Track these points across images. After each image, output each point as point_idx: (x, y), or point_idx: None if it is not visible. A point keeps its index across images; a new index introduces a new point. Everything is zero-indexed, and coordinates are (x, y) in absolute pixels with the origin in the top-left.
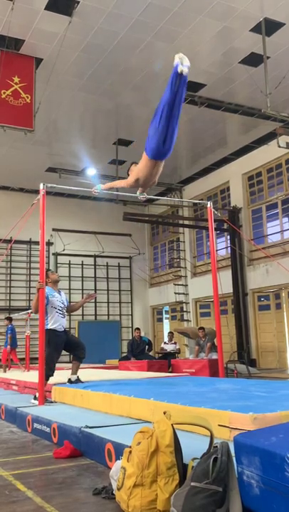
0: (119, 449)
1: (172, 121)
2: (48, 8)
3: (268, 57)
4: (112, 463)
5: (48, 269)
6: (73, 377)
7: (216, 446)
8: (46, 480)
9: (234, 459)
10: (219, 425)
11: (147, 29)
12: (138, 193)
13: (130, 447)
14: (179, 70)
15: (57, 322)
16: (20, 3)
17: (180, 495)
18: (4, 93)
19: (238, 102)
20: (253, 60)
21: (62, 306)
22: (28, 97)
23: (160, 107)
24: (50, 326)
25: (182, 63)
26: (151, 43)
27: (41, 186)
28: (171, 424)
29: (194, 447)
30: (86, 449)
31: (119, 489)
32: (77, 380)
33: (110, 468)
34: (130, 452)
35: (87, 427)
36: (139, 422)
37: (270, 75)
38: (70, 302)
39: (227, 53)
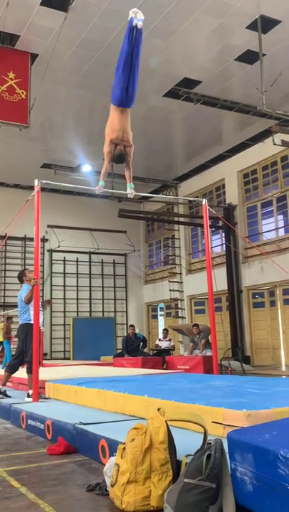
0: (113, 446)
1: (133, 70)
2: (43, 3)
3: (263, 55)
4: (106, 459)
5: (25, 269)
6: (2, 388)
7: (210, 443)
8: (40, 476)
9: (228, 455)
10: (213, 422)
11: (143, 25)
12: (127, 187)
13: (124, 444)
14: (134, 24)
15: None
16: None
17: (173, 491)
18: None
19: (234, 99)
20: (249, 57)
21: (41, 304)
22: (23, 93)
23: (121, 60)
24: (33, 321)
25: (136, 17)
26: (147, 40)
27: (36, 183)
28: (165, 421)
29: (188, 443)
30: (80, 445)
31: (112, 486)
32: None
33: (104, 465)
34: (124, 449)
35: (81, 423)
36: (134, 419)
37: (265, 72)
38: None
39: (223, 50)
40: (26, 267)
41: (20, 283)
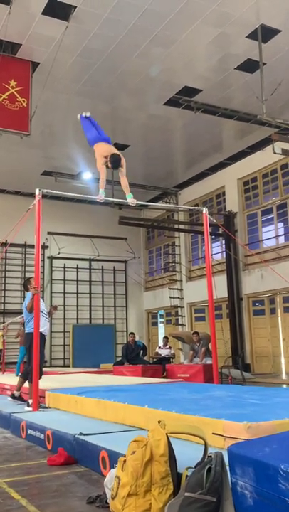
0: (113, 457)
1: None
2: (45, 12)
3: (263, 64)
4: (107, 471)
5: (30, 277)
6: (16, 393)
7: (210, 456)
8: (40, 488)
9: (228, 469)
10: (213, 433)
11: (144, 34)
12: (127, 197)
13: (125, 456)
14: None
15: (43, 326)
16: (18, 7)
17: (174, 505)
18: (0, 97)
19: (234, 107)
20: (249, 66)
21: (47, 311)
22: (24, 101)
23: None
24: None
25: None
26: (148, 48)
27: (37, 192)
28: (166, 434)
29: (188, 455)
30: (80, 456)
31: (113, 498)
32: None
33: (104, 476)
34: (124, 461)
35: (81, 434)
36: (134, 430)
37: (265, 81)
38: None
39: (223, 59)
40: (27, 274)
41: (26, 291)
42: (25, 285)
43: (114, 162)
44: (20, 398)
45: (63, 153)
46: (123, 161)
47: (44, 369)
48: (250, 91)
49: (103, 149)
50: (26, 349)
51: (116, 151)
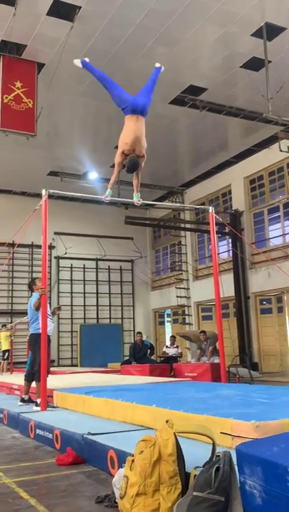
0: (121, 457)
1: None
2: (49, 13)
3: (269, 62)
4: (115, 470)
5: (35, 278)
6: (26, 397)
7: (218, 456)
8: (49, 487)
9: (236, 468)
10: (221, 433)
11: (149, 34)
12: (134, 197)
13: (133, 456)
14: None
15: (48, 326)
16: (23, 8)
17: (183, 504)
18: (6, 98)
19: (240, 106)
20: (255, 64)
21: (50, 311)
22: (30, 102)
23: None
24: (41, 331)
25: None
26: (153, 48)
27: (43, 192)
28: (174, 433)
29: (196, 455)
30: (89, 456)
31: (122, 498)
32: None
33: (113, 476)
34: (133, 461)
35: (89, 433)
36: (142, 429)
37: (271, 79)
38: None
39: (228, 58)
40: (34, 274)
41: (31, 291)
42: (30, 286)
43: (130, 168)
44: (30, 400)
45: (69, 154)
46: (143, 160)
47: (52, 369)
48: (256, 89)
49: (128, 137)
50: (31, 350)
51: (140, 150)
